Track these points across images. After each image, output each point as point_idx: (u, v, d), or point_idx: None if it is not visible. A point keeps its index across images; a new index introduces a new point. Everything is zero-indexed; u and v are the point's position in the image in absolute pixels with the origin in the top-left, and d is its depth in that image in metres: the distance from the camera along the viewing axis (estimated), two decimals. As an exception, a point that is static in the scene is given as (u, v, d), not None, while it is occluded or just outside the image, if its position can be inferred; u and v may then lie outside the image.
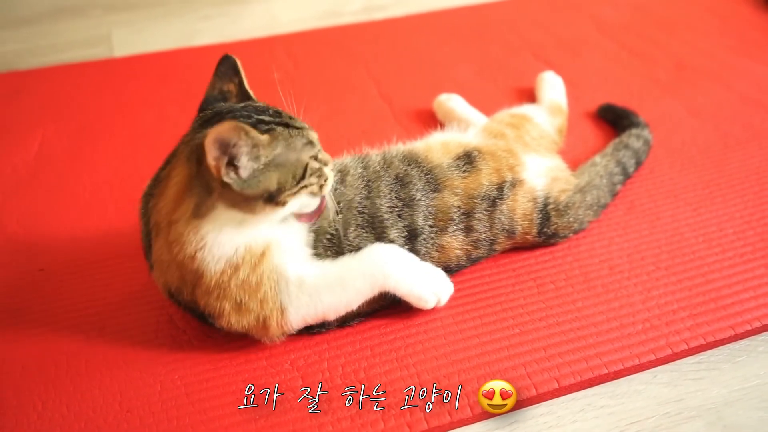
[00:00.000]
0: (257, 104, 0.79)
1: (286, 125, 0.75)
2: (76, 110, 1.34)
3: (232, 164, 0.70)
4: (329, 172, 0.79)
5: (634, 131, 1.12)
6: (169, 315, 0.88)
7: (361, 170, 0.88)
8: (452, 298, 0.87)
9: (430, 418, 0.74)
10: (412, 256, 0.83)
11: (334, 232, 0.83)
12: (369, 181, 0.87)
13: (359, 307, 0.82)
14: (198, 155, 0.71)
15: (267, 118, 0.75)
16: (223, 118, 0.74)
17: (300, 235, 0.82)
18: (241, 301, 0.77)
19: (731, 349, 0.84)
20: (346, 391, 0.77)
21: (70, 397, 0.78)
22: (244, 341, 0.83)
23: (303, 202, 0.77)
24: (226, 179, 0.70)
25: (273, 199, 0.74)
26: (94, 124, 1.29)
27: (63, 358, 0.83)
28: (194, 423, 0.75)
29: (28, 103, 1.36)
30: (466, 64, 1.45)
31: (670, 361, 0.82)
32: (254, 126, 0.72)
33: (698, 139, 1.18)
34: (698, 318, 0.85)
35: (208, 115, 0.78)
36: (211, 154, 0.69)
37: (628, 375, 0.81)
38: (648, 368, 0.81)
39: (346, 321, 0.84)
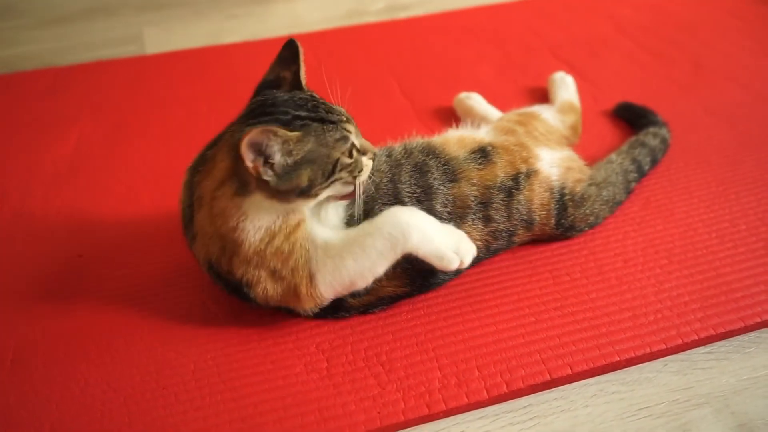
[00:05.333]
0: (301, 95, 0.82)
1: (322, 120, 0.79)
2: (110, 106, 1.40)
3: (268, 162, 0.75)
4: (367, 161, 0.83)
5: (651, 129, 1.15)
6: (201, 300, 0.93)
7: (385, 158, 0.92)
8: (471, 287, 0.91)
9: (448, 400, 0.78)
10: (431, 217, 0.84)
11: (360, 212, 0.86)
12: (392, 167, 0.91)
13: (386, 287, 0.85)
14: (236, 153, 0.76)
15: (303, 114, 0.79)
16: (266, 110, 0.80)
17: (332, 208, 0.86)
18: (275, 268, 0.81)
19: (741, 341, 0.87)
20: (369, 372, 0.82)
21: (110, 374, 0.83)
22: (272, 325, 0.88)
23: (336, 189, 0.82)
24: (264, 177, 0.75)
25: (305, 193, 0.78)
26: (128, 119, 1.35)
27: (102, 339, 0.88)
28: (225, 400, 0.80)
29: (65, 99, 1.43)
30: (486, 62, 1.49)
31: (681, 351, 0.85)
32: (289, 123, 0.77)
33: (714, 137, 1.20)
34: (709, 310, 0.88)
35: (256, 106, 0.82)
36: (248, 158, 0.74)
37: (640, 363, 0.84)
38: (659, 357, 0.85)
39: (370, 308, 0.88)
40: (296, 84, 0.84)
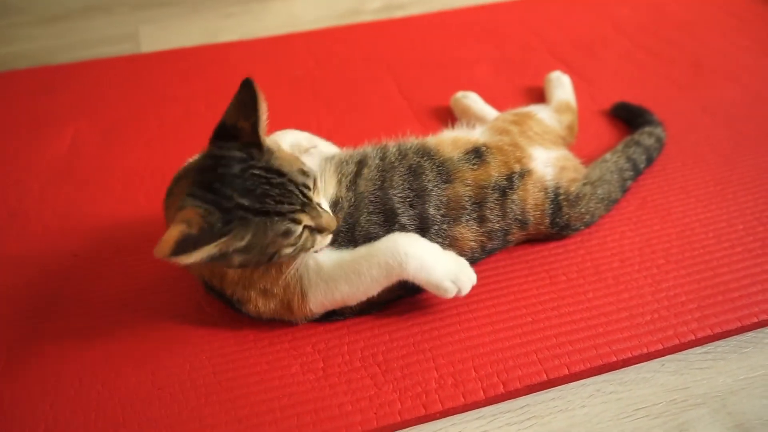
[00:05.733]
0: (254, 173, 0.72)
1: (266, 213, 0.71)
2: (106, 104, 1.39)
3: None
4: (323, 238, 0.78)
5: (647, 129, 1.15)
6: (197, 301, 0.92)
7: (378, 161, 0.91)
8: (467, 287, 0.91)
9: (445, 400, 0.78)
10: (432, 245, 0.84)
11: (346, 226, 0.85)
12: (384, 171, 0.89)
13: (379, 294, 0.84)
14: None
15: (247, 203, 0.71)
16: (212, 185, 0.71)
17: None
18: (265, 288, 0.81)
19: (738, 341, 0.87)
20: (366, 372, 0.82)
21: (105, 375, 0.83)
22: (269, 325, 0.87)
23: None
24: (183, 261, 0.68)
25: (238, 267, 0.76)
26: (125, 118, 1.34)
27: (97, 338, 0.88)
28: (222, 400, 0.79)
29: (61, 98, 1.42)
30: (484, 62, 1.48)
31: (678, 351, 0.85)
32: (229, 212, 0.70)
33: (712, 137, 1.20)
34: (706, 309, 0.88)
35: (206, 169, 0.74)
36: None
37: (637, 363, 0.84)
38: (656, 357, 0.85)
39: (365, 310, 0.88)
40: (255, 140, 0.74)
